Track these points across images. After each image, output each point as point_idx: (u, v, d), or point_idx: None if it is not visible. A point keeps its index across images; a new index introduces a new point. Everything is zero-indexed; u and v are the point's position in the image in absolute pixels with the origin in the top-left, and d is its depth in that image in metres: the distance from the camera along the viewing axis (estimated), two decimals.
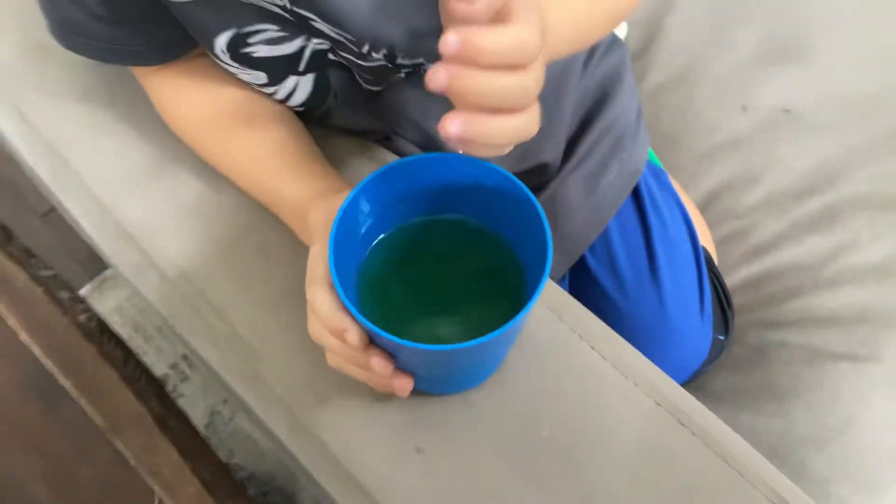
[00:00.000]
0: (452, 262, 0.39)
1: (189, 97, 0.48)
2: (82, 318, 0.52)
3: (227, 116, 0.47)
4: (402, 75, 0.46)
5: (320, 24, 0.41)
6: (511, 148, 0.33)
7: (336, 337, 0.35)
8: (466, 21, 0.29)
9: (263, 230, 0.47)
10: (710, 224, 0.72)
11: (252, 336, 0.43)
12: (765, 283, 0.69)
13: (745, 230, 0.71)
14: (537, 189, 0.60)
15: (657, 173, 0.66)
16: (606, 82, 0.63)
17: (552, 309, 0.44)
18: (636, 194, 0.63)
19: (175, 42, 0.47)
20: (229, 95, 0.47)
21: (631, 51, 0.79)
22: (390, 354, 0.35)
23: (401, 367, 0.36)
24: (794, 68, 0.76)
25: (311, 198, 0.42)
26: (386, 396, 0.40)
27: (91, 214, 0.49)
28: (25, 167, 0.53)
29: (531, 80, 0.31)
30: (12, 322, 0.51)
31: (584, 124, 0.62)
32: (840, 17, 0.77)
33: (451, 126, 0.31)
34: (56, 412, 0.49)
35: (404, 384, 0.37)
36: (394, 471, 0.39)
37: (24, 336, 0.50)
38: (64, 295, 0.52)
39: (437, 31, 0.31)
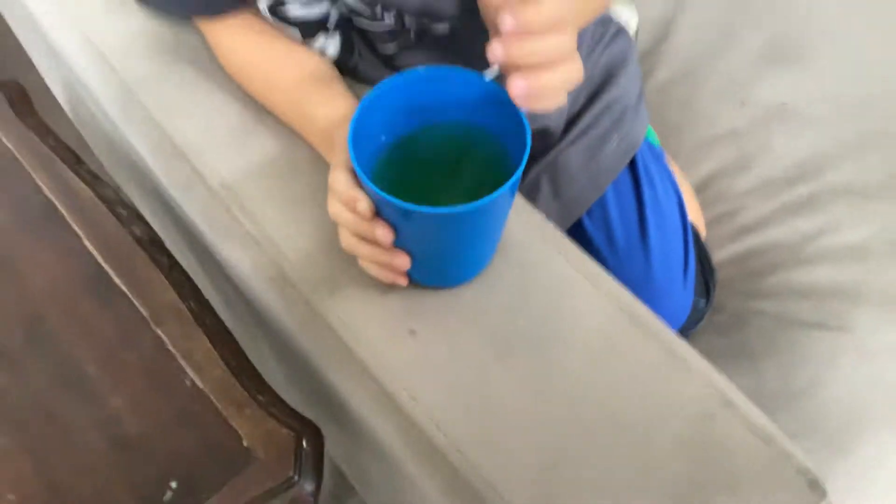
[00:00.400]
0: (452, 158, 0.46)
1: (241, 43, 0.56)
2: (137, 230, 0.60)
3: (271, 57, 0.55)
4: (413, 38, 0.54)
5: None
6: (566, 97, 0.41)
7: (349, 208, 0.43)
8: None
9: (296, 150, 0.54)
10: (704, 205, 0.78)
11: (280, 238, 0.51)
12: (749, 259, 0.75)
13: (735, 211, 0.77)
14: (539, 153, 0.67)
15: (655, 152, 0.73)
16: (611, 66, 0.70)
17: (540, 230, 0.51)
18: (633, 167, 0.70)
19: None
20: (273, 41, 0.55)
21: (642, 46, 0.86)
22: (393, 229, 0.42)
23: (400, 245, 0.44)
24: (793, 69, 0.82)
25: (338, 120, 0.50)
26: (387, 287, 0.47)
27: (149, 136, 0.57)
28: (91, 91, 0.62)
29: (568, 38, 0.40)
30: (78, 230, 0.60)
31: (588, 102, 0.69)
32: (837, 26, 0.84)
33: (516, 87, 0.39)
34: (110, 306, 0.57)
35: (402, 261, 0.44)
36: (389, 349, 0.46)
37: (87, 242, 0.59)
38: (122, 211, 0.61)
39: None
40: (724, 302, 0.73)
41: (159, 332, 0.55)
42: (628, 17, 0.82)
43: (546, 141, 0.67)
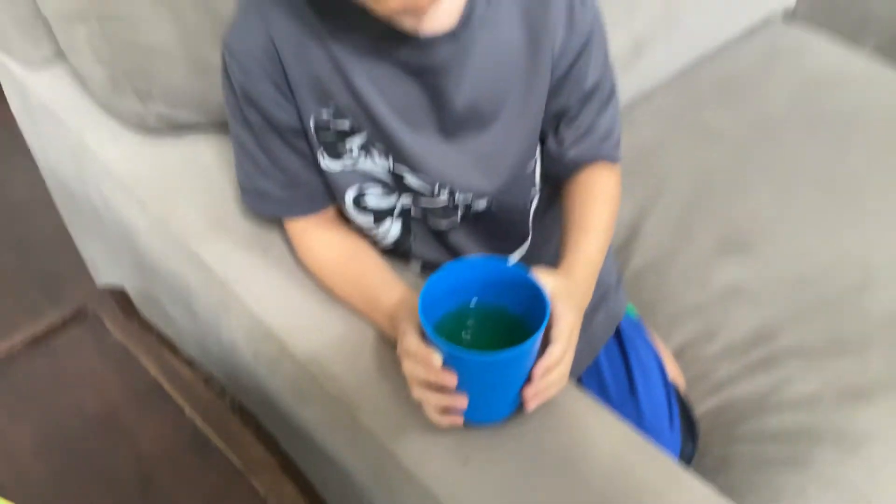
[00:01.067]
0: (489, 327, 0.62)
1: (318, 241, 0.73)
2: (227, 400, 0.74)
3: (342, 255, 0.73)
4: (458, 218, 0.73)
5: (409, 178, 0.68)
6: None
7: (422, 363, 0.57)
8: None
9: (365, 329, 0.70)
10: (682, 367, 0.93)
11: (357, 397, 0.66)
12: (724, 411, 0.89)
13: (707, 373, 0.92)
14: None
15: (636, 324, 0.90)
16: None
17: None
18: (619, 335, 0.86)
19: (321, 199, 0.73)
20: (343, 239, 0.73)
21: (617, 242, 1.05)
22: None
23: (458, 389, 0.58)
24: (742, 257, 1.02)
25: (397, 302, 0.66)
26: (442, 430, 0.61)
27: (250, 329, 0.73)
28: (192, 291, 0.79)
29: (567, 365, 0.60)
30: (181, 402, 0.74)
31: None
32: (776, 222, 1.04)
33: (531, 405, 0.61)
34: (209, 462, 0.69)
35: (462, 401, 0.58)
36: (450, 475, 0.59)
37: (187, 411, 0.73)
38: (214, 385, 0.75)
39: (477, 173, 0.59)
40: (708, 447, 0.87)
41: (253, 482, 0.68)
42: None
43: None
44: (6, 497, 0.66)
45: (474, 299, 0.63)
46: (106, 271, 1.21)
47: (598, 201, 0.75)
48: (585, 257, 0.71)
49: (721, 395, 0.90)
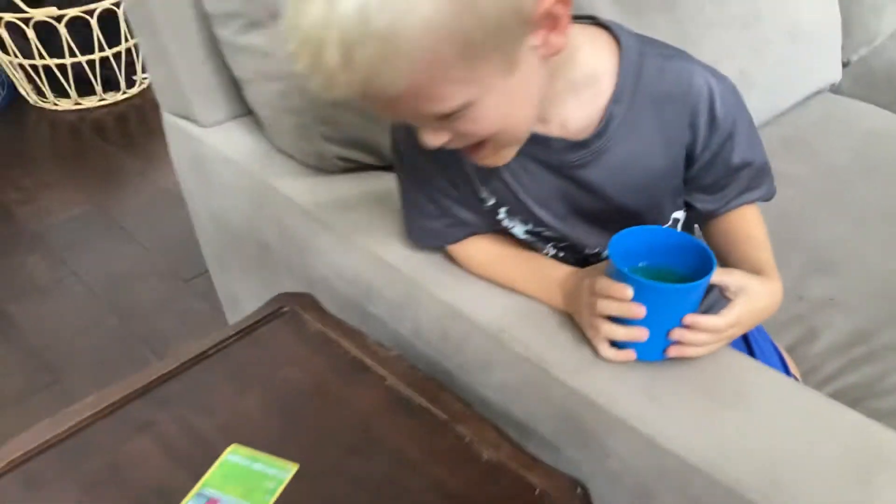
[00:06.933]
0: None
1: (475, 247, 0.88)
2: (419, 370, 0.87)
3: (502, 251, 0.87)
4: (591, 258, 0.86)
5: (548, 233, 0.83)
6: None
7: (616, 295, 0.69)
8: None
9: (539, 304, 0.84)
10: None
11: (543, 350, 0.78)
12: (838, 397, 0.98)
13: (816, 367, 1.04)
14: None
15: (762, 332, 1.01)
16: None
17: None
18: (745, 337, 0.98)
19: (477, 229, 0.88)
20: (496, 239, 0.87)
21: None
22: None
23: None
24: (830, 276, 1.15)
25: (567, 273, 0.80)
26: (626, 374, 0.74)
27: (439, 314, 0.87)
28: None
29: (718, 343, 0.73)
30: (383, 372, 0.86)
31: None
32: (854, 247, 1.18)
33: (672, 352, 0.72)
34: (417, 418, 0.81)
35: (644, 334, 0.70)
36: (640, 409, 0.72)
37: (390, 380, 0.85)
38: (404, 358, 0.88)
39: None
40: None
41: (458, 428, 0.79)
42: None
43: None
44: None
45: (642, 263, 0.77)
46: (250, 307, 1.35)
47: (759, 224, 0.86)
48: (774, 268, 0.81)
49: (833, 385, 1.01)
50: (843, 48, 1.65)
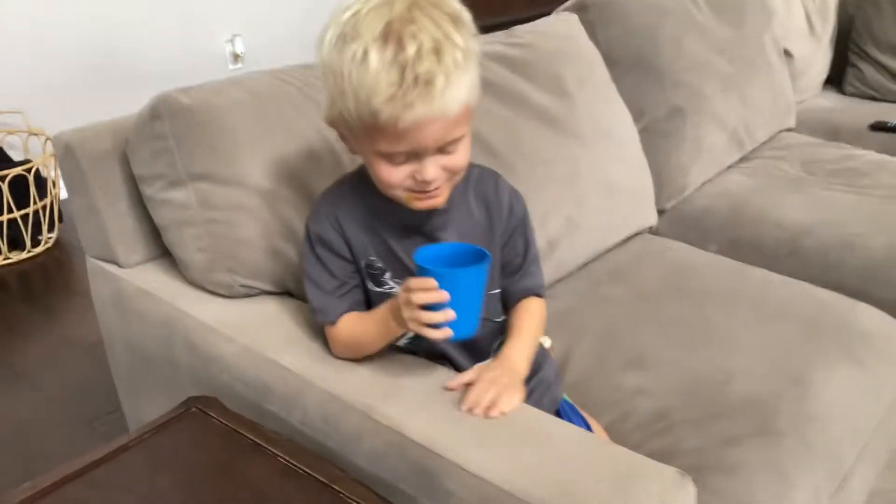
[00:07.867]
0: None
1: (345, 321, 1.13)
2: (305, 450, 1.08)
3: (356, 328, 1.13)
4: None
5: None
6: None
7: (422, 288, 0.95)
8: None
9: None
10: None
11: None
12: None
13: (625, 439, 1.30)
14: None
15: (571, 405, 1.28)
16: (540, 361, 1.30)
17: None
18: (558, 415, 1.24)
19: (357, 305, 1.14)
20: (360, 314, 1.14)
21: (557, 357, 1.46)
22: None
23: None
24: (642, 371, 1.44)
25: (386, 307, 1.06)
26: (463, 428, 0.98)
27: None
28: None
29: (488, 386, 1.04)
30: (275, 451, 1.07)
31: (531, 376, 1.26)
32: (662, 351, 1.49)
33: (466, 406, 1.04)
34: (301, 481, 1.02)
35: (451, 314, 0.95)
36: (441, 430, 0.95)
37: (280, 458, 1.06)
38: (295, 443, 1.09)
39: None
40: None
41: (335, 486, 1.00)
42: (546, 342, 1.44)
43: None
44: None
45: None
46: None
47: (529, 316, 1.22)
48: (518, 350, 1.15)
49: (638, 451, 1.26)
50: (658, 199, 2.06)
